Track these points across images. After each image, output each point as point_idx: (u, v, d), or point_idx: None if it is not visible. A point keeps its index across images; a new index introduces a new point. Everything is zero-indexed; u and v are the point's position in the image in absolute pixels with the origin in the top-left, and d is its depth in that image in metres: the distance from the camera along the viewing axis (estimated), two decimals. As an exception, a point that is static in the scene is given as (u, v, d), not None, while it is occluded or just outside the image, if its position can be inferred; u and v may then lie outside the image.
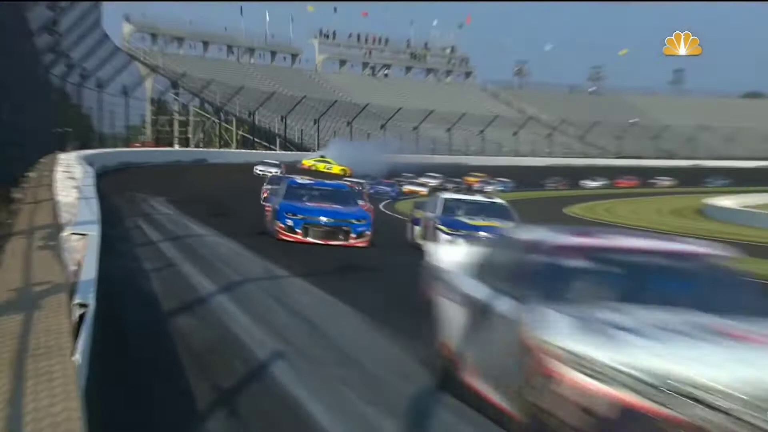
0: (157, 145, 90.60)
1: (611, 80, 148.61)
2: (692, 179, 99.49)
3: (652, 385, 6.14)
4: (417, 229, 25.31)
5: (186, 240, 21.62)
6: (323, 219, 23.75)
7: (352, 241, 23.52)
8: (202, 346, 10.16)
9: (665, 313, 7.20)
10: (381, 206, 48.31)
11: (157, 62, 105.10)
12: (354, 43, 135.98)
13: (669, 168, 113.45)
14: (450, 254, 10.53)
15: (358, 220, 24.17)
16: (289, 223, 23.32)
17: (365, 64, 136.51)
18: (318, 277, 16.28)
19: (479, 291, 8.46)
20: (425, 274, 10.38)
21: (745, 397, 6.10)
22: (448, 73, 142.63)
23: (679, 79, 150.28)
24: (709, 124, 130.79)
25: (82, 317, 5.22)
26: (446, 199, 25.51)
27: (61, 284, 5.90)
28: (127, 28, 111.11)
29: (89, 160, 35.68)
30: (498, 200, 26.25)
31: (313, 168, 76.57)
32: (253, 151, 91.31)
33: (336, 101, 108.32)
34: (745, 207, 57.43)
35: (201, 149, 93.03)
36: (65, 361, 3.87)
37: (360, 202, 28.51)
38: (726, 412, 6.09)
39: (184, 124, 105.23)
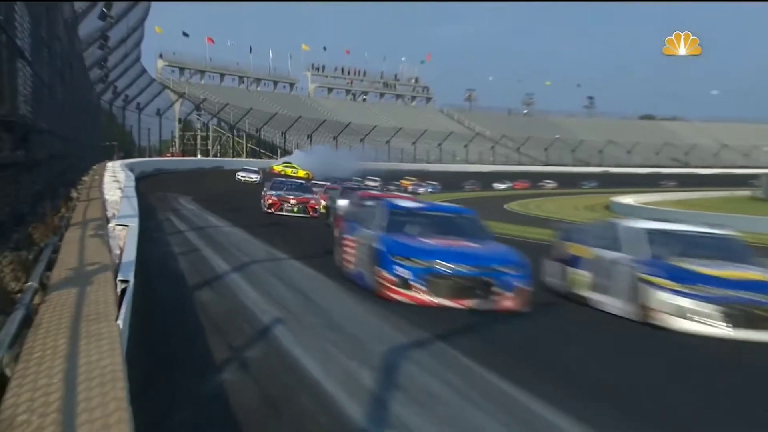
0: (183, 155, 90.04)
1: (539, 104, 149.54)
2: (571, 182, 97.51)
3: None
4: (575, 272, 13.58)
5: (206, 230, 21.54)
6: (457, 267, 11.84)
7: (499, 301, 11.79)
8: (219, 314, 10.14)
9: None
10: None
11: (183, 90, 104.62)
12: (339, 75, 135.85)
13: (584, 173, 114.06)
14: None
15: (507, 267, 12.04)
16: (403, 273, 11.78)
17: (348, 91, 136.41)
18: (310, 259, 16.27)
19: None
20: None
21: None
22: (413, 98, 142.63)
23: (591, 104, 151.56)
24: (614, 139, 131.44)
25: (124, 291, 5.21)
26: (648, 231, 12.86)
27: (107, 265, 5.88)
28: (160, 63, 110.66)
29: (130, 167, 35.47)
30: (723, 232, 13.66)
31: (282, 173, 68.28)
32: (259, 159, 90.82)
33: (325, 120, 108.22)
34: (641, 203, 57.99)
35: (218, 158, 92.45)
36: (111, 325, 3.86)
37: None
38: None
39: (204, 138, 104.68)
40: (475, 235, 13.27)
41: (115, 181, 17.84)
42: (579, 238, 14.24)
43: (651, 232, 12.73)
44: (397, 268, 11.85)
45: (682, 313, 10.87)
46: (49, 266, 5.74)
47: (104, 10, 30.39)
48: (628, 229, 13.00)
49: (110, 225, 8.66)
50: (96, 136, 37.08)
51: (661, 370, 9.26)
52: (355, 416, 6.29)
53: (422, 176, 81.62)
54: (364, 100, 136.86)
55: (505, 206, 56.05)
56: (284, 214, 29.26)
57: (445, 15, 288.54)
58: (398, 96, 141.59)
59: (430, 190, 74.12)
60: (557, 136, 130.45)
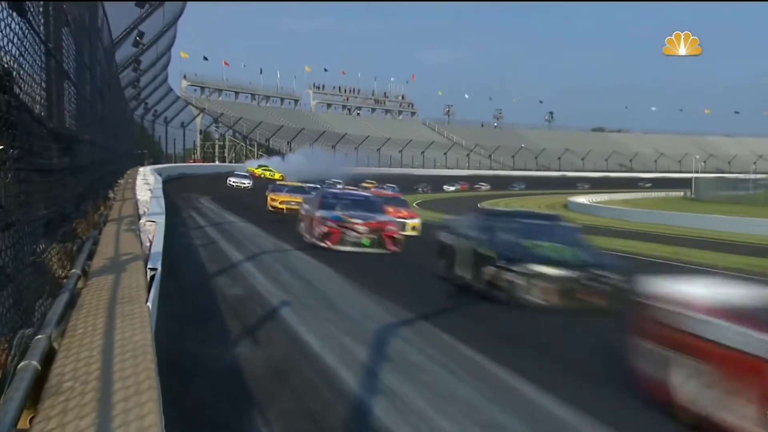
0: (204, 162, 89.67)
1: (507, 118, 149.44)
2: (502, 184, 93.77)
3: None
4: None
5: (223, 225, 21.51)
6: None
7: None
8: (234, 297, 10.16)
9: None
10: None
11: (204, 106, 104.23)
12: (337, 93, 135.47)
13: (544, 177, 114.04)
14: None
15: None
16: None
17: (344, 107, 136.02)
18: (313, 251, 16.28)
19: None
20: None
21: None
22: (400, 112, 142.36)
23: (552, 117, 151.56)
24: (570, 148, 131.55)
25: (152, 277, 5.23)
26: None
27: (138, 255, 5.90)
28: (184, 83, 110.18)
29: (159, 172, 35.35)
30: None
31: (262, 176, 63.84)
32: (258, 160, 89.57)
33: (324, 131, 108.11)
34: (593, 202, 58.24)
35: (233, 164, 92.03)
36: (141, 307, 3.88)
37: None
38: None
39: (222, 147, 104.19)
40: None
41: (146, 184, 17.82)
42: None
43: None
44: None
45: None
46: (90, 256, 5.74)
47: (137, 38, 30.34)
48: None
49: (141, 221, 8.67)
50: (130, 146, 36.92)
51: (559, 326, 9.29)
52: (350, 383, 6.33)
53: (382, 180, 76.68)
54: (358, 114, 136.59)
55: (479, 205, 56.06)
56: (347, 249, 16.54)
57: (428, 42, 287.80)
58: (387, 111, 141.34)
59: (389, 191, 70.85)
60: (523, 145, 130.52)
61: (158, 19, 32.45)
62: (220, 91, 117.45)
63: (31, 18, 4.14)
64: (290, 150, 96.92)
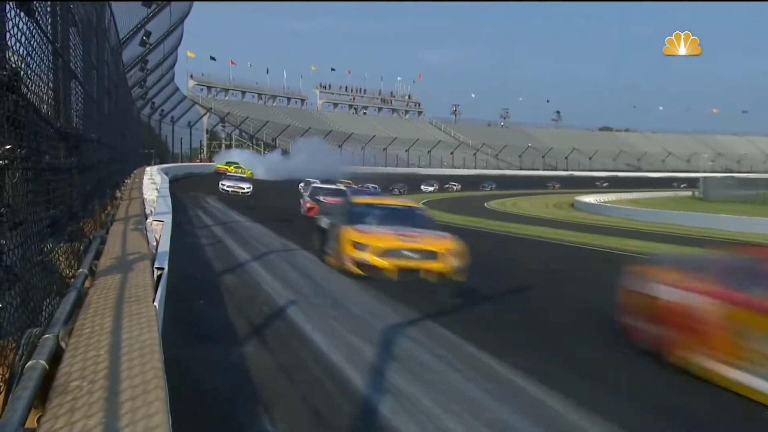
0: (210, 161, 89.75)
1: (514, 117, 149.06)
2: (473, 184, 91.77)
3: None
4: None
5: (229, 224, 21.55)
6: None
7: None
8: (241, 295, 10.17)
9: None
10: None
11: (210, 105, 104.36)
12: (343, 92, 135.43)
13: (554, 176, 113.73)
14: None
15: None
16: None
17: (351, 106, 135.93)
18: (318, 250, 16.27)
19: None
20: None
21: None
22: (406, 112, 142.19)
23: (558, 117, 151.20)
24: (577, 147, 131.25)
25: (159, 277, 5.24)
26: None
27: (145, 254, 5.91)
28: (191, 82, 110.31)
29: (165, 171, 35.45)
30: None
31: (230, 171, 60.34)
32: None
33: (331, 131, 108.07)
34: (600, 202, 58.04)
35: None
36: (148, 306, 3.89)
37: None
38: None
39: (228, 147, 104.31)
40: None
41: (152, 183, 17.85)
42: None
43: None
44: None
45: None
46: (97, 255, 5.76)
47: (144, 38, 30.40)
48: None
49: (148, 220, 8.68)
50: (136, 145, 37.03)
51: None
52: (356, 381, 6.34)
53: (389, 180, 73.06)
54: (365, 113, 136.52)
55: (486, 204, 56.03)
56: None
57: (434, 41, 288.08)
58: (394, 110, 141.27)
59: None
60: (529, 144, 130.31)
61: (165, 18, 32.52)
62: (226, 90, 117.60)
63: (38, 18, 4.16)
64: (286, 148, 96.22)
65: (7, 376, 2.89)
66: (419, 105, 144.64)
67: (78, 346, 3.06)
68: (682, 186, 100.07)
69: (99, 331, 3.31)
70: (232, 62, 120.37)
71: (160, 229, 7.97)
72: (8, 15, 3.24)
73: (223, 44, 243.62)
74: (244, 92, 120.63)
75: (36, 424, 2.42)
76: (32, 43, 3.91)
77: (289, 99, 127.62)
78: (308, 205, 27.19)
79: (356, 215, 13.76)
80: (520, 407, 5.88)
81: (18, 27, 3.41)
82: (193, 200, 31.55)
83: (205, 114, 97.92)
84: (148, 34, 30.28)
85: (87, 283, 4.65)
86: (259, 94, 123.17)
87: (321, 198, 26.79)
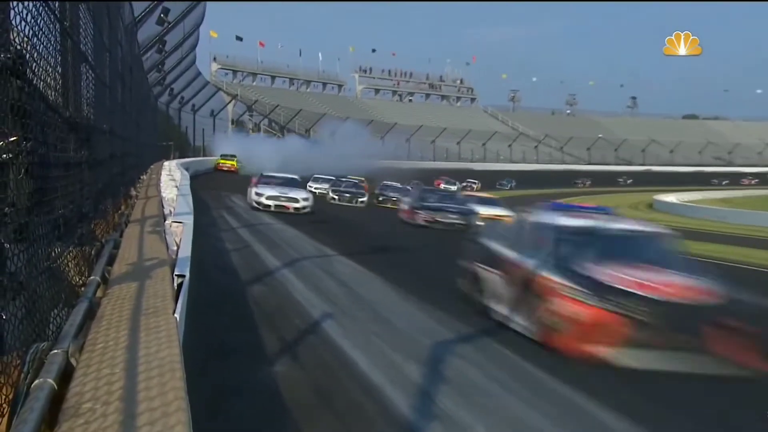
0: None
1: (582, 105, 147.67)
2: (533, 181, 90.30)
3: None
4: None
5: (258, 227, 21.68)
6: None
7: None
8: (271, 307, 10.21)
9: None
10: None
11: (236, 92, 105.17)
12: (386, 76, 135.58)
13: (626, 172, 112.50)
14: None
15: None
16: None
17: (394, 92, 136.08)
18: (358, 256, 16.29)
19: None
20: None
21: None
22: (458, 99, 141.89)
23: (634, 103, 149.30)
24: (656, 138, 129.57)
25: (180, 285, 5.27)
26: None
27: (164, 260, 5.95)
28: (214, 66, 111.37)
29: (185, 166, 35.83)
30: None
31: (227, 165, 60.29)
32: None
33: (372, 120, 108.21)
34: (683, 201, 57.14)
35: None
36: (168, 319, 3.92)
37: None
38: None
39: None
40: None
41: (172, 180, 18.07)
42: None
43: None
44: None
45: None
46: (110, 261, 5.83)
47: (162, 15, 30.71)
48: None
49: (167, 222, 8.77)
50: (153, 137, 37.49)
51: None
52: (401, 407, 6.32)
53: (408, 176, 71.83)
54: (410, 100, 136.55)
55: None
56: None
57: (491, 18, 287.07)
58: (443, 97, 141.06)
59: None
60: (600, 135, 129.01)
61: (185, -7, 32.91)
62: (254, 75, 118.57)
63: (45, -7, 4.21)
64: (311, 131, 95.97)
65: (11, 396, 2.91)
66: (472, 91, 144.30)
67: (90, 363, 3.09)
68: (753, 181, 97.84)
69: (113, 346, 3.34)
70: (260, 43, 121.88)
71: (180, 232, 8.04)
72: (12, -10, 3.28)
73: (251, 23, 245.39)
74: (273, 77, 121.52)
75: (44, 451, 2.45)
76: (39, 21, 3.96)
77: (324, 84, 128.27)
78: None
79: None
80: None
81: (23, 3, 3.45)
82: (217, 199, 31.81)
83: (230, 102, 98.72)
84: (166, 11, 30.61)
85: (99, 293, 4.71)
86: (291, 79, 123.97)
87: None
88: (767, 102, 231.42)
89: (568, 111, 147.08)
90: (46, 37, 4.31)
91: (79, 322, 3.74)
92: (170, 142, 54.15)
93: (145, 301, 4.35)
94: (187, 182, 20.48)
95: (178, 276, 5.41)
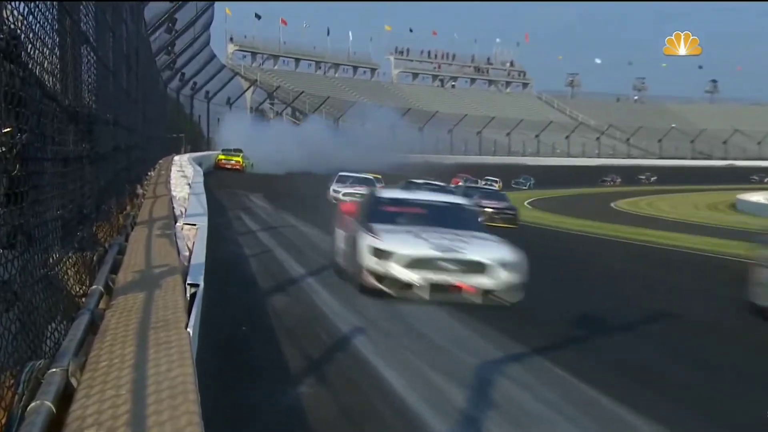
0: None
1: (653, 90, 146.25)
2: (592, 176, 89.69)
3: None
4: None
5: (280, 230, 21.74)
6: None
7: None
8: (294, 320, 10.24)
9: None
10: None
11: (255, 77, 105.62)
12: (425, 59, 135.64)
13: (704, 167, 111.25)
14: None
15: None
16: None
17: (435, 77, 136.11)
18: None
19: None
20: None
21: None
22: (508, 84, 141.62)
23: (715, 88, 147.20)
24: (741, 128, 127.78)
25: (193, 296, 5.31)
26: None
27: (176, 267, 5.99)
28: (231, 48, 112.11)
29: (198, 161, 36.03)
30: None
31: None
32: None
33: (410, 109, 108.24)
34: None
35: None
36: (180, 333, 3.94)
37: None
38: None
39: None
40: None
41: (183, 177, 18.16)
42: None
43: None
44: None
45: None
46: (115, 268, 5.88)
47: (171, -11, 30.91)
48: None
49: (178, 224, 8.83)
50: (162, 128, 37.76)
51: None
52: (442, 435, 6.32)
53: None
54: (453, 86, 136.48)
55: (612, 204, 55.28)
56: None
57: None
58: (491, 82, 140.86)
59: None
60: (673, 125, 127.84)
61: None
62: (275, 57, 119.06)
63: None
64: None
65: (4, 421, 2.95)
66: (524, 74, 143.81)
67: (93, 384, 3.12)
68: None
69: (119, 364, 3.37)
70: (282, 21, 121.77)
71: (193, 236, 8.09)
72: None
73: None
74: (298, 60, 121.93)
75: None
76: (35, -2, 3.99)
77: (355, 68, 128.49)
78: None
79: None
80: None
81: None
82: (234, 198, 31.98)
83: (248, 88, 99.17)
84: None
85: (102, 304, 4.75)
86: (318, 63, 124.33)
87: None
88: None
89: (636, 97, 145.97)
90: (42, 15, 4.35)
91: (79, 337, 3.78)
92: (181, 134, 54.40)
93: (154, 313, 4.38)
94: (201, 179, 20.58)
95: (191, 285, 5.44)
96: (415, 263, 11.90)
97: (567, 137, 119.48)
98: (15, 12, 3.62)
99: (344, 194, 34.01)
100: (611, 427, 6.80)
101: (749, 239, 16.41)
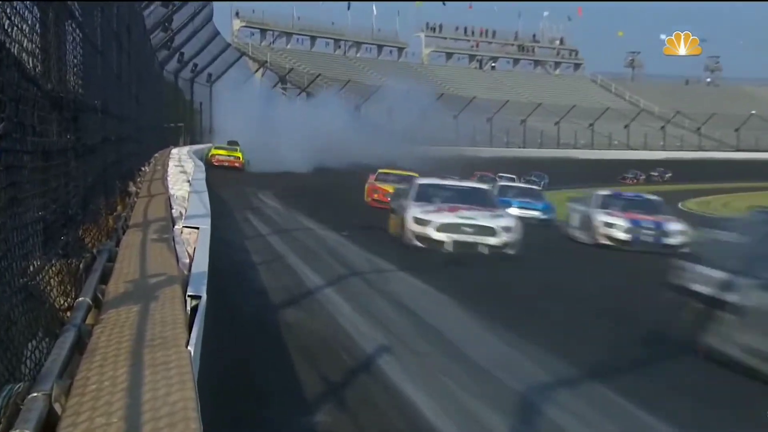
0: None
1: (729, 71, 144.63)
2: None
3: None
4: None
5: (293, 233, 21.80)
6: None
7: None
8: (310, 338, 10.26)
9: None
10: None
11: (265, 58, 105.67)
12: (461, 36, 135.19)
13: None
14: None
15: None
16: None
17: (472, 57, 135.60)
18: (420, 270, 16.26)
19: None
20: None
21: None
22: (557, 65, 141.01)
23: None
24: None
25: (195, 309, 5.32)
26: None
27: (174, 276, 6.01)
28: (237, 24, 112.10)
29: (199, 155, 36.12)
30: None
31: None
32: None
33: (443, 94, 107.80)
34: None
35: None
36: (180, 352, 3.95)
37: None
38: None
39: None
40: None
41: (182, 172, 18.22)
42: None
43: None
44: None
45: None
46: (104, 278, 5.90)
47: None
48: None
49: (177, 227, 8.86)
50: (158, 116, 37.87)
51: None
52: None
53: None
54: (493, 67, 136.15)
55: (680, 205, 55.02)
56: None
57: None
58: (537, 62, 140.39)
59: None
60: (753, 111, 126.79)
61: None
62: (288, 35, 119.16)
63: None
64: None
65: (-22, 452, 2.96)
66: (577, 54, 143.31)
67: (80, 411, 3.13)
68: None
69: (109, 388, 3.38)
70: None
71: (194, 240, 8.12)
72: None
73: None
74: (314, 37, 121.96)
75: None
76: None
77: (380, 47, 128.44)
78: None
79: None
80: None
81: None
82: (240, 196, 32.08)
83: (257, 70, 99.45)
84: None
85: (90, 319, 4.77)
86: (337, 41, 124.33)
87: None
88: None
89: (709, 79, 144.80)
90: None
91: (64, 356, 3.79)
92: (180, 124, 54.41)
93: (150, 329, 4.39)
94: (202, 175, 20.64)
95: (192, 297, 5.45)
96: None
97: (626, 126, 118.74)
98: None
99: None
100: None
101: None
